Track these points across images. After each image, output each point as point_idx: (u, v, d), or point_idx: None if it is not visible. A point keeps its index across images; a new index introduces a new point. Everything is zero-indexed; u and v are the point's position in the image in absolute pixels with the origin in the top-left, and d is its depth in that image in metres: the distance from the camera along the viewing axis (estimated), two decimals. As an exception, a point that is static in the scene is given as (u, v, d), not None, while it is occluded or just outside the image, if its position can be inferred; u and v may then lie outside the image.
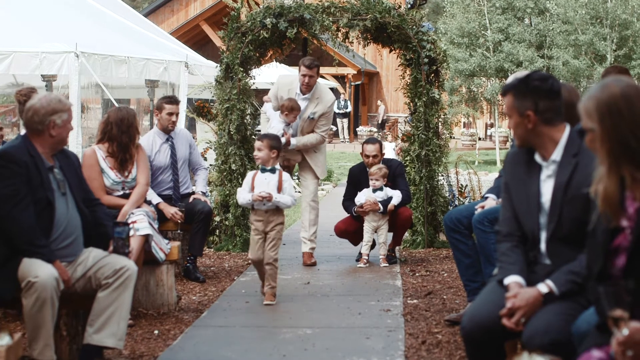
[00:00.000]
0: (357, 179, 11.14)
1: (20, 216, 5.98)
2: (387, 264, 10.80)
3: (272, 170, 8.70)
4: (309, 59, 10.87)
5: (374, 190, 10.83)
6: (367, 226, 10.88)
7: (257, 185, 8.65)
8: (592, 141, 4.05)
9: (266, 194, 8.52)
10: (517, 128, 4.92)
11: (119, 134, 8.44)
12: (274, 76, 25.04)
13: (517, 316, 4.61)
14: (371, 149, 11.02)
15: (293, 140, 10.83)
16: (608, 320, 3.80)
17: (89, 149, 8.64)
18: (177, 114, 9.86)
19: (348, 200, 11.15)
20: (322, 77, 38.75)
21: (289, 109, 10.63)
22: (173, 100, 9.96)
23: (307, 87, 10.81)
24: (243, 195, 8.68)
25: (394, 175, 11.04)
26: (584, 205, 4.67)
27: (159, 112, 9.84)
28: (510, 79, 5.99)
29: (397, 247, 11.43)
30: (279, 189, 8.65)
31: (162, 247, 8.25)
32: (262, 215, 8.63)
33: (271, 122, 11.05)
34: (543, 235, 4.90)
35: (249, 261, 11.13)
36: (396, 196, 10.80)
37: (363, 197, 10.84)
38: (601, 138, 3.99)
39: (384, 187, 10.82)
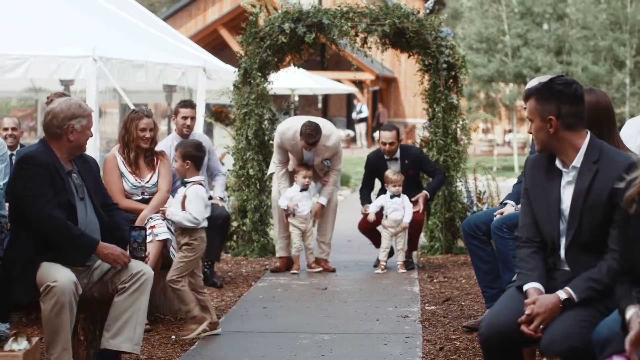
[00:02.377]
0: (375, 166, 11.13)
1: (54, 212, 5.98)
2: (405, 270, 10.77)
3: (186, 184, 7.74)
4: (312, 136, 10.38)
5: (392, 197, 10.77)
6: (386, 233, 10.83)
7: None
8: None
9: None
10: (538, 133, 4.88)
11: (124, 133, 8.53)
12: (292, 81, 25.16)
13: (536, 323, 4.58)
14: (387, 135, 10.91)
15: (322, 201, 10.88)
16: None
17: (110, 154, 8.67)
18: (191, 118, 9.85)
19: (365, 189, 11.20)
20: (340, 82, 38.75)
21: (303, 171, 10.67)
22: (188, 104, 9.98)
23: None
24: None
25: (420, 161, 11.04)
26: (604, 212, 4.65)
27: (175, 116, 9.87)
28: (532, 83, 5.94)
29: (414, 253, 11.38)
30: (183, 205, 7.63)
31: None
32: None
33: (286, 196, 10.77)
34: (562, 242, 4.87)
35: (266, 266, 11.13)
36: (408, 212, 10.75)
37: (379, 204, 10.82)
38: None
39: (401, 194, 10.79)
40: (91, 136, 6.45)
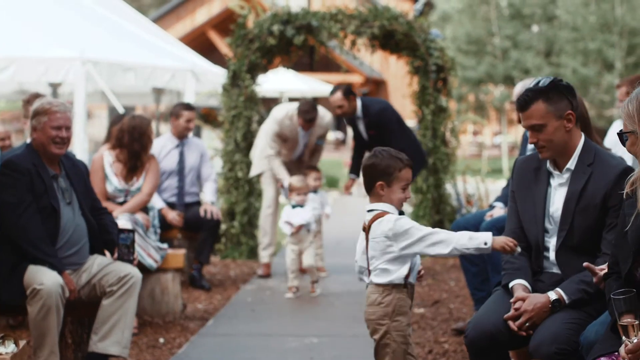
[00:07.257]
0: (350, 125, 10.67)
1: (27, 225, 5.95)
2: (316, 293, 9.67)
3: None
4: (309, 112, 10.31)
5: (294, 207, 9.59)
6: (290, 250, 9.63)
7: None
8: (633, 144, 3.98)
9: None
10: (554, 134, 4.76)
11: (131, 141, 8.38)
12: (281, 83, 25.14)
13: (523, 319, 4.60)
14: (332, 99, 10.21)
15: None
16: (618, 327, 3.77)
17: (97, 154, 8.59)
18: (193, 121, 9.99)
19: (355, 152, 10.92)
20: (329, 84, 38.76)
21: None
22: (190, 107, 10.09)
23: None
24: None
25: (378, 122, 10.26)
26: (596, 215, 4.65)
27: (176, 118, 9.90)
28: (519, 87, 5.89)
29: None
30: None
31: (152, 254, 8.08)
32: None
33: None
34: (552, 244, 4.86)
35: (255, 269, 11.08)
36: (302, 216, 9.51)
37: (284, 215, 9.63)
38: None
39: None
40: (55, 135, 6.12)
